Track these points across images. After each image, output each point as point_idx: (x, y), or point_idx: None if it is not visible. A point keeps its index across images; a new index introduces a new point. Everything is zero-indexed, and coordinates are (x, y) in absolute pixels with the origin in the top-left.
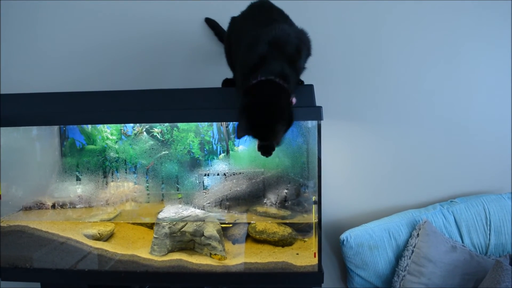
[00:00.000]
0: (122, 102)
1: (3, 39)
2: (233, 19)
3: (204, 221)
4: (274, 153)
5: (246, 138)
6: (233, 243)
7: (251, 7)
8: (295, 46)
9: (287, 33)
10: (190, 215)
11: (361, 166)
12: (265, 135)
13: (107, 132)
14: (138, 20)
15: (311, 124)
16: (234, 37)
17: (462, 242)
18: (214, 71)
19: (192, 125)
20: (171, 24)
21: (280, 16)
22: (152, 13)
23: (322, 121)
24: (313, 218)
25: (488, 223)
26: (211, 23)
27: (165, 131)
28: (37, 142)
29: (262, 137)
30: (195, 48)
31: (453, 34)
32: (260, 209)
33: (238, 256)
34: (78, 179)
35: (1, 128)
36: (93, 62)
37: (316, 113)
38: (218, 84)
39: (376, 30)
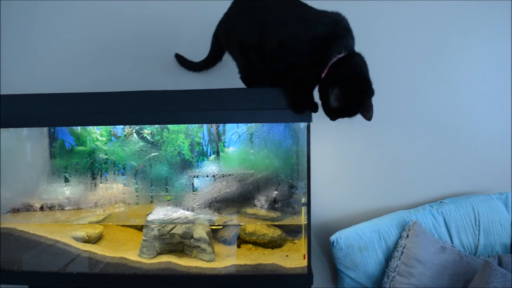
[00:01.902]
0: (111, 103)
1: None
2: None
3: (193, 223)
4: (264, 154)
5: (237, 139)
6: (223, 245)
7: None
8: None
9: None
10: (179, 217)
11: (351, 167)
12: (362, 108)
13: (97, 133)
14: (132, 22)
15: (301, 125)
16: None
17: (452, 242)
18: (207, 73)
19: (182, 126)
20: (167, 26)
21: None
22: (146, 15)
23: (311, 123)
24: (302, 220)
25: (477, 223)
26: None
27: (155, 132)
28: (26, 143)
29: (357, 109)
30: (188, 50)
31: (444, 34)
32: (250, 210)
33: (227, 258)
34: (67, 180)
35: None
36: (88, 63)
37: (305, 115)
38: (209, 85)
39: (367, 30)
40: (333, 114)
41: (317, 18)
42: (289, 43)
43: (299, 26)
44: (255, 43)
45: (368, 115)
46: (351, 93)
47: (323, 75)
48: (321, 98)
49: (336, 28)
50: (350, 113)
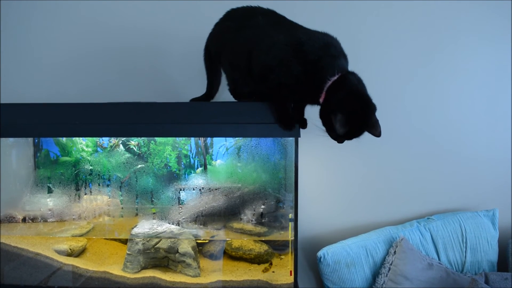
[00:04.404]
0: (98, 115)
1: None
2: (224, 26)
3: (179, 237)
4: (251, 168)
5: (225, 152)
6: (209, 260)
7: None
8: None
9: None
10: (165, 231)
11: (339, 182)
12: (368, 126)
13: (83, 144)
14: (124, 34)
15: (289, 140)
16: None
17: (439, 259)
18: (195, 87)
19: (170, 138)
20: (157, 40)
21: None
22: (139, 29)
23: (299, 138)
24: (289, 235)
25: (464, 240)
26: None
27: (142, 144)
28: (10, 152)
29: (364, 129)
30: (177, 64)
31: (428, 53)
32: (236, 225)
33: (213, 273)
34: (50, 191)
35: None
36: (78, 73)
37: (293, 130)
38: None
39: (355, 35)
40: (340, 137)
41: (308, 41)
42: (280, 67)
43: (290, 50)
44: (244, 63)
45: (376, 132)
46: (354, 115)
47: (321, 100)
48: (324, 124)
49: (328, 50)
50: (357, 134)
